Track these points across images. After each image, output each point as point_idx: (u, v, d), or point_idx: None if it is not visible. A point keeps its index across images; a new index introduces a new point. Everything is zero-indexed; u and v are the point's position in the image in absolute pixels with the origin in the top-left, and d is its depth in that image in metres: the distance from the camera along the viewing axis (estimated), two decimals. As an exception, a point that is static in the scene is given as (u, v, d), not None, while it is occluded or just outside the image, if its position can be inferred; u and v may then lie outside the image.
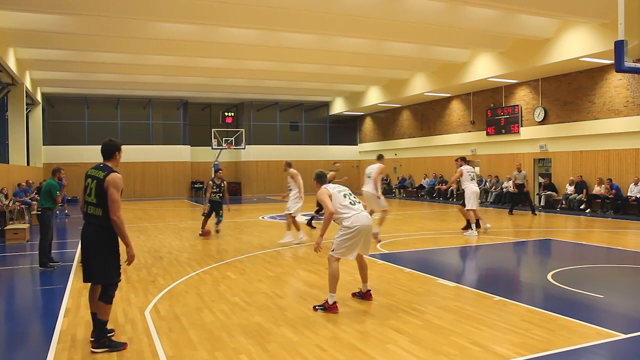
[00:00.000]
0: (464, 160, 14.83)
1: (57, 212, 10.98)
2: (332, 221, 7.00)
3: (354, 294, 7.54)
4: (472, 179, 14.46)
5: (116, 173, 5.50)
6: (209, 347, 5.53)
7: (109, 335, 5.62)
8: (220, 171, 14.69)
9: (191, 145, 35.31)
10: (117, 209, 5.36)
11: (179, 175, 34.51)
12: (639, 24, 7.32)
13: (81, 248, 5.63)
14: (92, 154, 32.89)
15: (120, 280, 5.72)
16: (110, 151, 5.68)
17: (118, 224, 5.39)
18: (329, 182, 7.54)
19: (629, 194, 18.58)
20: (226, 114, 36.18)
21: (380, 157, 13.16)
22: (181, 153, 34.73)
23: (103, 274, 5.50)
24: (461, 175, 14.42)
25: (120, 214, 5.42)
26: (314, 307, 6.99)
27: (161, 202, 29.31)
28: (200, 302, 7.39)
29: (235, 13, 16.24)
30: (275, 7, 15.75)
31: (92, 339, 5.54)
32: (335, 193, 7.16)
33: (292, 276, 9.16)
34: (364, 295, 7.41)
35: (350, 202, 7.14)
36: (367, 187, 12.48)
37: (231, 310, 6.99)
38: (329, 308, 6.82)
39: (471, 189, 14.22)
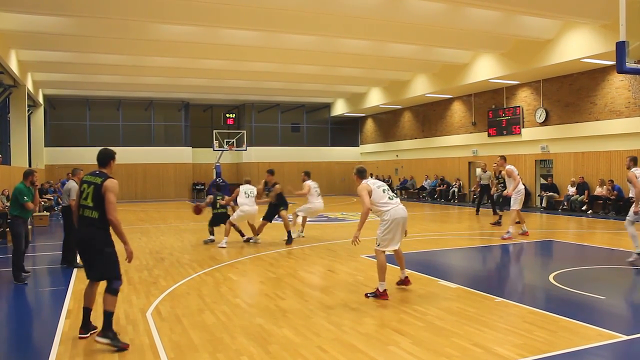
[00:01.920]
0: (504, 159, 14.80)
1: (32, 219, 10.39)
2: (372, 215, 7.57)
3: (397, 283, 8.17)
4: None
5: (112, 179, 5.85)
6: (210, 349, 5.54)
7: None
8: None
9: (192, 147, 35.35)
10: (114, 210, 5.71)
11: (180, 177, 34.55)
12: (639, 25, 7.34)
13: (80, 250, 5.95)
14: (93, 155, 32.14)
15: (120, 274, 5.94)
16: (106, 159, 6.03)
17: (116, 224, 5.72)
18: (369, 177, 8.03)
19: (630, 195, 18.52)
20: (227, 115, 36.19)
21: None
22: (182, 155, 34.77)
23: (105, 270, 5.85)
24: (508, 175, 13.76)
25: (117, 215, 5.75)
26: (366, 294, 7.60)
27: (162, 204, 29.33)
28: (201, 304, 7.39)
29: (237, 14, 16.25)
30: (276, 8, 15.77)
31: (82, 333, 5.94)
32: (375, 189, 7.63)
33: (293, 277, 9.16)
34: (404, 282, 8.11)
35: (389, 197, 7.66)
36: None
37: (232, 311, 7.00)
38: (380, 295, 7.43)
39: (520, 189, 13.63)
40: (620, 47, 7.09)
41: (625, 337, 5.70)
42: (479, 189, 20.19)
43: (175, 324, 6.43)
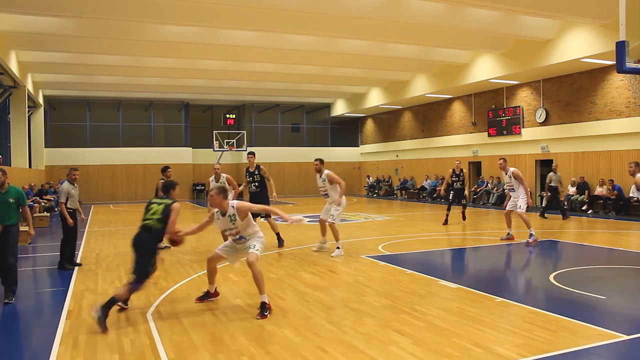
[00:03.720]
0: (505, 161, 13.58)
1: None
2: None
3: None
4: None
5: (177, 203, 7.29)
6: (210, 349, 5.54)
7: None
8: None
9: (193, 147, 35.39)
10: (174, 224, 7.07)
11: (180, 178, 34.42)
12: (638, 24, 7.34)
13: (135, 251, 7.03)
14: (93, 156, 33.21)
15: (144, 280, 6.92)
16: (169, 188, 7.60)
17: (179, 233, 7.14)
18: None
19: (631, 195, 18.56)
20: (227, 115, 36.20)
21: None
22: (183, 155, 34.79)
23: (144, 271, 6.88)
24: (515, 177, 12.92)
25: (174, 228, 7.09)
26: None
27: (163, 204, 29.28)
28: (202, 304, 7.39)
29: (236, 15, 16.26)
30: (276, 9, 15.78)
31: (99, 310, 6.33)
32: None
33: (294, 278, 9.15)
34: None
35: None
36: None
37: (233, 311, 6.99)
38: None
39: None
40: (620, 46, 7.09)
41: (625, 337, 5.70)
42: (548, 193, 18.91)
43: (175, 325, 6.43)
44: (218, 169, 12.35)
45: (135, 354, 5.46)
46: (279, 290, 8.25)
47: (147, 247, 7.02)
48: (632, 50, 7.23)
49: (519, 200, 12.76)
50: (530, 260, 11.33)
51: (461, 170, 17.11)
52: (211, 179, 12.36)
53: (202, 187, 34.38)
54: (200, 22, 16.56)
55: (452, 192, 17.14)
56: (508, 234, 13.19)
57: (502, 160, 13.37)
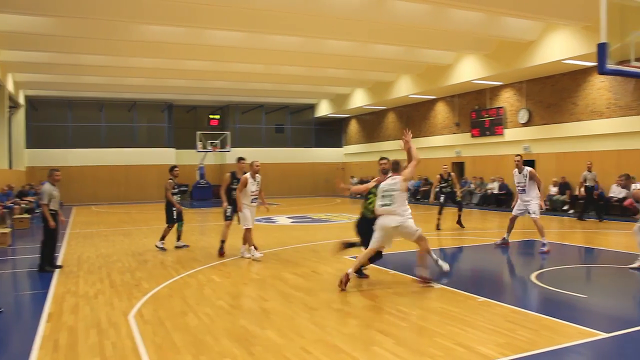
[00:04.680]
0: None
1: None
2: None
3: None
4: None
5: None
6: (193, 351, 5.50)
7: None
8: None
9: (176, 148, 35.09)
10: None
11: (163, 179, 33.63)
12: (620, 27, 7.42)
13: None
14: (75, 157, 32.81)
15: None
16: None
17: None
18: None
19: (610, 195, 18.76)
20: (211, 116, 36.10)
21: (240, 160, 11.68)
22: (166, 156, 34.39)
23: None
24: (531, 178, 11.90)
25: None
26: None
27: (145, 206, 29.07)
28: (184, 306, 7.34)
29: (220, 15, 16.19)
30: (260, 9, 15.73)
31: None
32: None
33: (277, 279, 9.13)
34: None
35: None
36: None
37: (216, 313, 6.96)
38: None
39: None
40: (602, 48, 7.16)
41: (605, 335, 5.77)
42: (584, 193, 17.92)
43: (158, 327, 6.38)
44: (258, 166, 11.27)
45: (117, 356, 5.41)
46: (262, 291, 8.23)
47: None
48: (613, 52, 7.30)
49: (531, 205, 11.64)
50: (512, 260, 11.42)
51: (449, 174, 16.50)
52: (248, 175, 11.16)
53: (186, 188, 34.14)
54: (183, 22, 16.48)
55: (442, 195, 16.27)
56: (504, 238, 12.27)
57: (518, 157, 12.20)
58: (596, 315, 6.92)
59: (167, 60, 22.53)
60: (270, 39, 19.56)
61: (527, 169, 11.86)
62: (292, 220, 16.90)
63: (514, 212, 12.05)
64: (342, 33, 18.33)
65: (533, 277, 8.80)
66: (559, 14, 16.13)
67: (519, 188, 11.93)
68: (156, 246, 12.64)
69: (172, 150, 34.80)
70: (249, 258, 11.01)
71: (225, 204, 11.63)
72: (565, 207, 20.39)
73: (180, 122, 36.17)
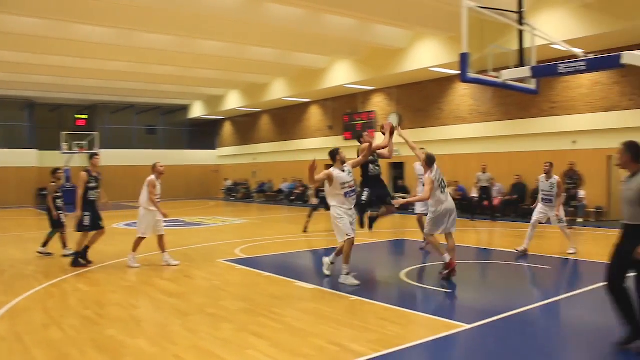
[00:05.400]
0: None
1: None
2: None
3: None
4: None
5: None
6: (51, 366, 5.08)
7: None
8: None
9: (39, 150, 32.51)
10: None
11: (23, 182, 31.53)
12: (480, 39, 7.91)
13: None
14: None
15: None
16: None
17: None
18: None
19: (472, 195, 20.01)
20: (78, 116, 34.11)
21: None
22: (26, 158, 31.78)
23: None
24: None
25: None
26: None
27: (2, 212, 26.78)
28: (46, 318, 6.76)
29: (87, 9, 15.38)
30: (129, 5, 15.11)
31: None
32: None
33: (148, 285, 8.73)
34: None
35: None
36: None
37: (82, 324, 6.49)
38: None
39: None
40: (464, 58, 7.58)
41: (468, 326, 6.09)
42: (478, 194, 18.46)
43: (15, 344, 5.79)
44: (162, 167, 10.54)
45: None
46: (132, 298, 7.84)
47: None
48: (474, 62, 7.77)
49: (560, 213, 11.17)
50: (383, 259, 11.80)
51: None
52: (153, 177, 10.43)
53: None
54: (48, 15, 15.42)
55: (317, 199, 16.09)
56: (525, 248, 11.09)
57: (548, 164, 11.23)
58: (459, 308, 7.38)
59: (28, 54, 20.91)
60: (141, 37, 18.86)
61: (556, 177, 11.11)
62: (164, 224, 16.27)
63: (535, 218, 11.23)
64: (216, 34, 18.08)
65: (402, 274, 9.14)
66: (426, 24, 17.00)
67: (547, 197, 11.11)
68: (64, 255, 11.62)
69: (34, 151, 32.17)
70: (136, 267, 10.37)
71: (79, 211, 10.71)
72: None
73: (43, 121, 33.63)
